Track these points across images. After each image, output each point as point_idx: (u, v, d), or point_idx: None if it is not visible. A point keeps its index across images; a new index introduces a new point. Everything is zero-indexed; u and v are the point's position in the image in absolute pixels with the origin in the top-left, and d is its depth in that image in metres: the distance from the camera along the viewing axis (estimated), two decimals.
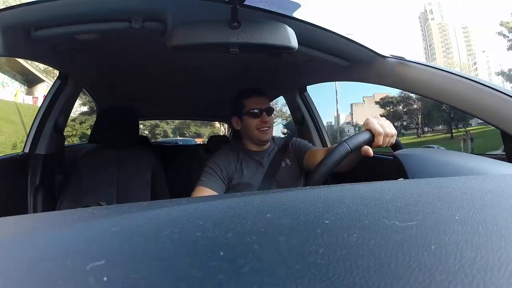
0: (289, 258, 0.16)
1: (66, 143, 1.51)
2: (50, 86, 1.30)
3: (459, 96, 0.71)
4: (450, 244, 0.17)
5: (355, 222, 0.21)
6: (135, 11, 0.71)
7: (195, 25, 0.65)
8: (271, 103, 1.11)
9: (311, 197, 0.27)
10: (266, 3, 0.70)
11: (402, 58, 0.83)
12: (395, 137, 0.65)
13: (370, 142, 0.62)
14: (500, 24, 16.61)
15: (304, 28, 0.76)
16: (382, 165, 1.10)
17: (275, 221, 0.21)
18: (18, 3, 0.69)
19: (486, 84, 0.67)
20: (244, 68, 1.24)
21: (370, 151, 0.63)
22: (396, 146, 0.68)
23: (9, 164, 1.11)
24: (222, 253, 0.17)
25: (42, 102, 1.25)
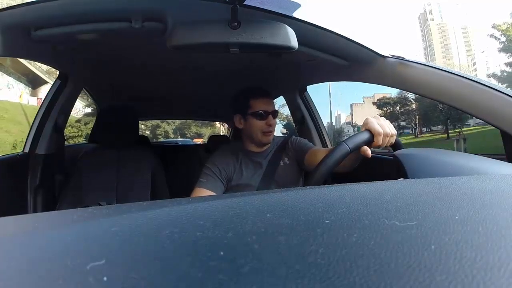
0: (289, 258, 0.16)
1: (70, 143, 1.51)
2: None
3: (460, 96, 0.71)
4: (450, 244, 0.17)
5: (355, 222, 0.21)
6: (135, 11, 0.71)
7: (195, 25, 0.65)
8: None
9: (311, 197, 0.27)
10: (266, 3, 0.70)
11: (402, 58, 0.83)
12: (394, 137, 0.65)
13: (370, 142, 0.62)
14: (492, 27, 16.84)
15: (304, 28, 0.76)
16: (382, 165, 1.10)
17: (275, 221, 0.21)
18: (18, 3, 0.68)
19: (487, 84, 0.67)
20: (244, 68, 1.24)
21: (369, 152, 0.63)
22: (396, 146, 0.68)
23: (9, 164, 1.11)
24: (222, 253, 0.17)
25: (42, 102, 1.25)
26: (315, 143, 1.44)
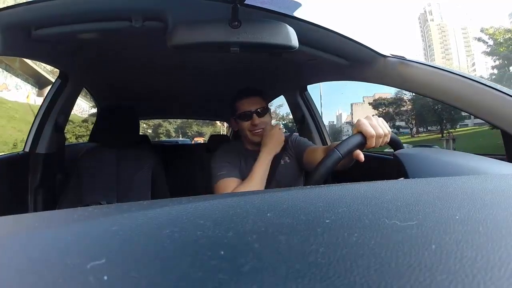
0: (289, 257, 0.16)
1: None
2: None
3: (460, 96, 0.71)
4: (450, 243, 0.17)
5: (355, 222, 0.21)
6: (136, 10, 0.71)
7: (196, 24, 0.65)
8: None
9: (312, 196, 0.27)
10: (267, 3, 0.70)
11: (402, 58, 0.83)
12: (389, 136, 0.64)
13: (362, 145, 0.61)
14: (481, 31, 17.18)
15: (304, 28, 0.76)
16: (382, 164, 1.09)
17: (275, 221, 0.21)
18: (18, 2, 0.69)
19: (487, 84, 0.67)
20: (244, 68, 1.24)
21: (361, 156, 0.62)
22: (396, 145, 0.68)
23: (10, 164, 1.11)
24: (222, 252, 0.17)
25: (43, 102, 1.25)
26: (316, 142, 1.44)
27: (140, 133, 1.63)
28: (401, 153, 0.51)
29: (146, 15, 0.72)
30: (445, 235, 0.18)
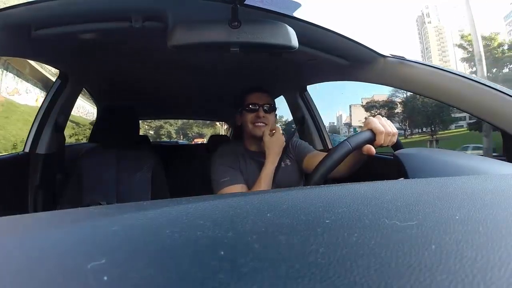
0: (289, 257, 0.16)
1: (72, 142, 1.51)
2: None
3: (460, 96, 0.71)
4: (450, 243, 0.17)
5: (355, 222, 0.21)
6: (136, 10, 0.71)
7: (196, 25, 0.65)
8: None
9: (312, 196, 0.27)
10: (267, 3, 0.70)
11: (402, 58, 0.83)
12: (396, 136, 0.65)
13: (372, 141, 0.62)
14: (461, 37, 17.54)
15: (304, 28, 0.76)
16: (382, 164, 1.09)
17: (275, 221, 0.21)
18: (19, 2, 0.69)
19: (487, 84, 0.67)
20: (244, 68, 1.24)
21: (373, 149, 0.63)
22: (396, 145, 0.68)
23: (10, 164, 1.11)
24: (222, 252, 0.17)
25: (43, 102, 1.25)
26: (316, 143, 1.44)
27: (142, 134, 1.62)
28: (401, 153, 0.51)
29: (146, 15, 0.72)
30: (445, 235, 0.18)
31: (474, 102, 0.69)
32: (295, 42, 0.68)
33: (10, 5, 0.68)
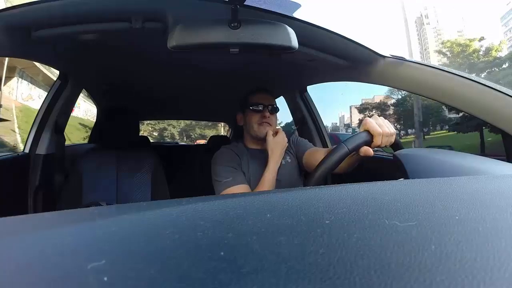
0: (289, 258, 0.16)
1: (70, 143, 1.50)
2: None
3: (460, 96, 0.71)
4: (450, 244, 0.17)
5: (355, 222, 0.21)
6: (135, 11, 0.71)
7: (195, 25, 0.65)
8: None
9: (312, 197, 0.27)
10: (267, 3, 0.70)
11: (402, 58, 0.83)
12: (394, 136, 0.65)
13: (369, 142, 0.62)
14: (441, 43, 17.95)
15: (304, 28, 0.76)
16: (382, 165, 1.09)
17: (275, 221, 0.21)
18: (19, 3, 0.69)
19: (487, 84, 0.67)
20: (244, 69, 1.24)
21: (370, 151, 0.63)
22: (396, 146, 0.68)
23: (10, 164, 1.11)
24: (222, 253, 0.17)
25: (42, 103, 1.25)
26: (316, 143, 1.44)
27: (142, 135, 1.62)
28: (401, 153, 0.51)
29: (145, 16, 0.72)
30: (445, 235, 0.18)
31: (474, 102, 0.69)
32: (295, 42, 0.68)
33: (10, 5, 0.68)
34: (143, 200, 1.19)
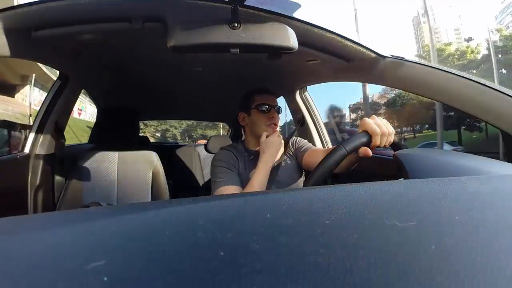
0: (289, 258, 0.16)
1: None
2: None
3: (459, 96, 0.71)
4: (450, 244, 0.17)
5: (355, 223, 0.21)
6: (136, 11, 0.71)
7: (195, 25, 0.65)
8: None
9: (311, 197, 0.27)
10: (266, 4, 0.70)
11: (402, 58, 0.83)
12: (393, 136, 0.65)
13: (368, 143, 0.62)
14: (422, 47, 18.52)
15: (304, 28, 0.76)
16: (382, 165, 1.09)
17: (275, 221, 0.21)
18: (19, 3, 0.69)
19: (487, 85, 0.67)
20: (244, 69, 1.24)
21: (369, 151, 0.63)
22: (396, 146, 0.68)
23: (10, 164, 1.11)
24: (222, 253, 0.17)
25: (43, 103, 1.25)
26: (315, 143, 1.44)
27: (142, 135, 1.62)
28: (401, 153, 0.51)
29: (145, 17, 0.72)
30: (444, 235, 0.18)
31: (474, 102, 0.69)
32: (294, 42, 0.68)
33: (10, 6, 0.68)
34: (143, 200, 1.19)
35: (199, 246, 0.18)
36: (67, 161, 1.34)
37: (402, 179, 0.45)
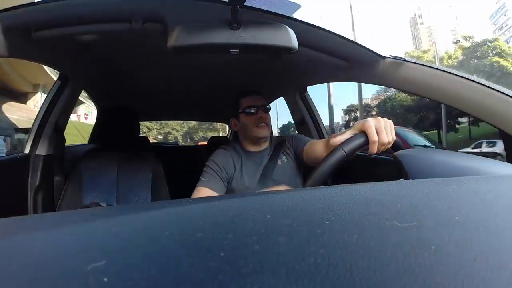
0: (289, 258, 0.16)
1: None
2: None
3: (459, 97, 0.71)
4: (450, 244, 0.17)
5: (355, 223, 0.21)
6: (136, 12, 0.72)
7: (195, 26, 0.65)
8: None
9: (311, 198, 0.27)
10: (266, 4, 0.70)
11: (401, 59, 0.83)
12: (392, 143, 0.62)
13: (366, 145, 0.60)
14: (405, 53, 19.20)
15: (304, 29, 0.76)
16: (382, 165, 1.09)
17: (275, 222, 0.21)
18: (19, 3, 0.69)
19: (486, 85, 0.67)
20: (244, 69, 1.24)
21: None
22: (396, 146, 0.67)
23: (10, 165, 1.11)
24: (222, 253, 0.17)
25: (43, 103, 1.26)
26: None
27: (142, 136, 1.62)
28: (401, 154, 0.51)
29: (145, 17, 0.72)
30: (445, 236, 0.18)
31: (474, 103, 0.69)
32: (294, 43, 0.68)
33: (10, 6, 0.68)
34: (143, 200, 1.19)
35: (199, 246, 0.18)
36: (67, 162, 1.34)
37: (402, 179, 0.45)
